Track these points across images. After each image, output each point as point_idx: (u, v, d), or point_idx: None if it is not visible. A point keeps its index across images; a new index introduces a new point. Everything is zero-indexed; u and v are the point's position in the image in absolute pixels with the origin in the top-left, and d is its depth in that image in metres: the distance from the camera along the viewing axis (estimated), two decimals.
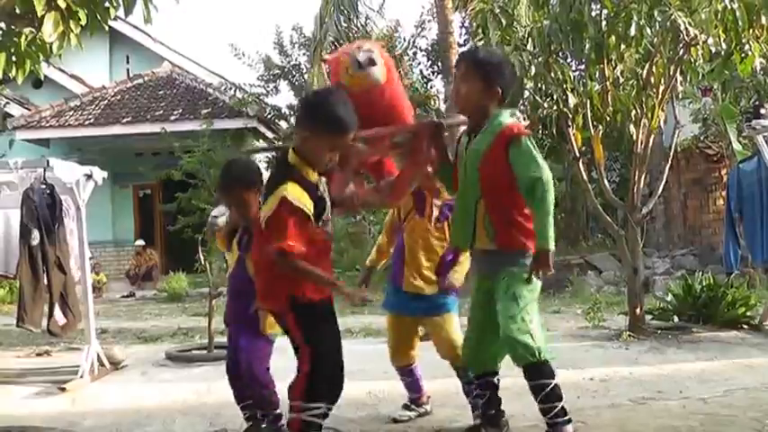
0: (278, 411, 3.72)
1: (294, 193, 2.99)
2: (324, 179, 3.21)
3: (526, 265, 3.33)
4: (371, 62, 3.41)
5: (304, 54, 18.04)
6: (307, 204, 3.02)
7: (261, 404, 3.74)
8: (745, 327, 6.79)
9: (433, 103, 16.60)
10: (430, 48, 18.28)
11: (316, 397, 3.06)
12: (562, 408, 3.29)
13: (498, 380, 3.66)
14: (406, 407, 4.29)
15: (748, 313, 6.94)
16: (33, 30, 4.42)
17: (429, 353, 4.23)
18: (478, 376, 3.65)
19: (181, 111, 16.49)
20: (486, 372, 3.61)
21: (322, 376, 3.08)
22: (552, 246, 3.24)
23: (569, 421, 3.31)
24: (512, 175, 3.33)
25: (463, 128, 3.71)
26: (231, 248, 3.93)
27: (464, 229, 3.50)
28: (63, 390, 5.23)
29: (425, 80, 19.08)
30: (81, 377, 5.49)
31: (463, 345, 3.74)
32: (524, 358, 3.27)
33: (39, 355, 6.92)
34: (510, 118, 3.51)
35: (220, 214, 4.10)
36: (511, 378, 3.64)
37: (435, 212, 4.07)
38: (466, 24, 15.81)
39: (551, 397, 3.28)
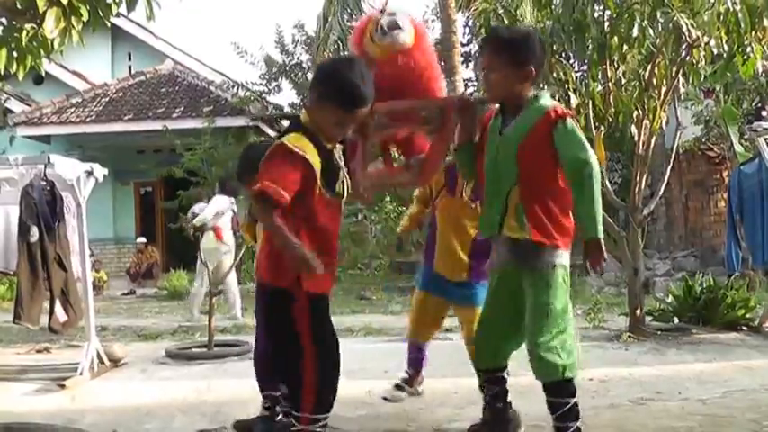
0: None
1: (295, 142, 2.72)
2: (340, 147, 2.92)
3: (556, 266, 3.14)
4: (396, 26, 3.17)
5: (307, 52, 18.06)
6: (311, 155, 2.71)
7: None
8: (745, 328, 6.78)
9: None
10: (433, 47, 18.28)
11: (323, 409, 2.86)
12: (578, 428, 3.15)
13: (508, 373, 3.55)
14: (398, 387, 4.27)
15: (748, 315, 6.93)
16: (35, 26, 4.41)
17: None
18: (486, 371, 3.50)
19: (183, 108, 16.51)
20: (495, 367, 3.48)
21: (328, 386, 2.86)
22: (601, 233, 3.06)
23: None
24: (554, 164, 3.12)
25: (493, 107, 3.43)
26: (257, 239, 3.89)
27: (492, 216, 3.26)
28: (63, 387, 5.23)
29: None
30: (81, 374, 5.49)
31: (475, 338, 3.52)
32: (548, 375, 3.13)
33: (38, 351, 6.92)
34: (552, 101, 3.31)
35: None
36: (514, 377, 3.63)
37: (468, 191, 3.93)
38: (470, 24, 15.82)
39: (569, 416, 3.14)
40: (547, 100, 3.26)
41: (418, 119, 3.31)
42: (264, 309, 3.05)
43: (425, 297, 4.20)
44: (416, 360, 4.28)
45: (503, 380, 3.52)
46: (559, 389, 3.13)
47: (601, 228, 3.07)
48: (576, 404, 3.15)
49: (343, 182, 2.89)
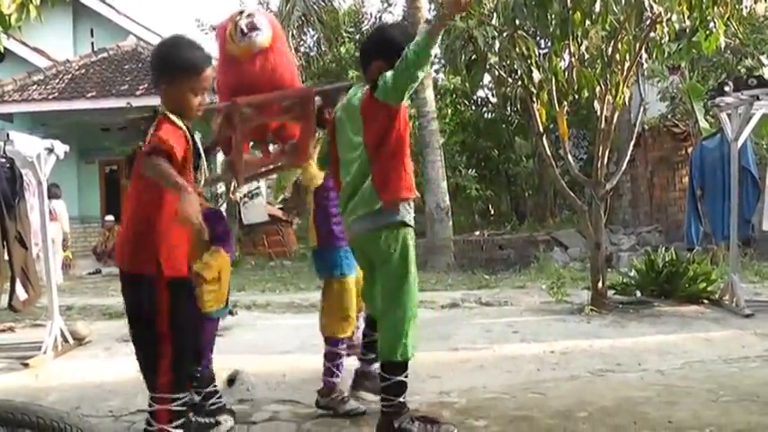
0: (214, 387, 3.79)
1: (166, 121, 2.87)
2: (199, 137, 3.05)
3: None
4: (254, 27, 3.43)
5: None
6: (177, 138, 2.82)
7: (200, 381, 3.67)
8: (706, 302, 6.89)
9: None
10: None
11: (181, 388, 2.87)
12: None
13: None
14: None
15: (709, 288, 7.03)
16: None
17: None
18: None
19: (146, 85, 16.23)
20: None
21: (185, 366, 2.90)
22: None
23: None
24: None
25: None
26: None
27: None
28: (26, 365, 5.20)
29: None
30: (44, 353, 5.45)
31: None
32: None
33: (2, 331, 6.85)
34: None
35: None
36: (473, 351, 3.68)
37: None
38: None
39: None
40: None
41: (280, 109, 3.57)
42: (124, 295, 3.00)
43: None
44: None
45: None
46: None
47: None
48: None
49: (201, 170, 2.98)
